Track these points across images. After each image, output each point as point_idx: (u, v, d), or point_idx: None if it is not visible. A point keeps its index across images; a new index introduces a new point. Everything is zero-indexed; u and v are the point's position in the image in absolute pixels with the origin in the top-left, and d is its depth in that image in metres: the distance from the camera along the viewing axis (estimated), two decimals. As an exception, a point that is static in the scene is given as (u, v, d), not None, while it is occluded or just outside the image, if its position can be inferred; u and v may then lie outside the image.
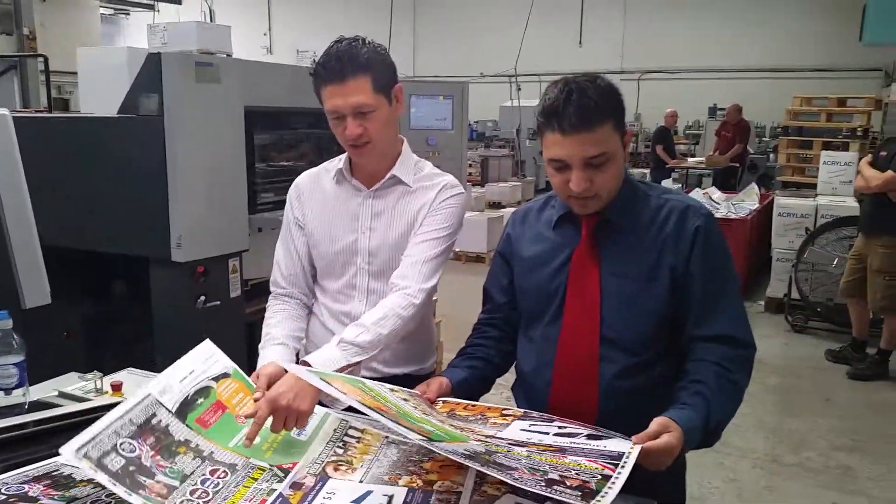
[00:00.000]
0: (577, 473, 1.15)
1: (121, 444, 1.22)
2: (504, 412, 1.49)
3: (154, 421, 1.29)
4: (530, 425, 1.39)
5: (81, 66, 3.14)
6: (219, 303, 2.77)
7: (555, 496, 1.09)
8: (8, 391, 1.65)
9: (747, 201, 7.39)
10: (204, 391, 1.42)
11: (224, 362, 1.52)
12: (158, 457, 1.24)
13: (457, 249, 5.77)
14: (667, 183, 8.81)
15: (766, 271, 6.55)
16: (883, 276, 4.72)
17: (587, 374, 1.55)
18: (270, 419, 1.39)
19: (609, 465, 1.17)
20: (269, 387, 1.46)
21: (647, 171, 10.97)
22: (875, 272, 4.77)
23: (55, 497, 1.22)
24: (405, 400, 1.44)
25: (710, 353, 1.48)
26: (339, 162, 1.88)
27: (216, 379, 1.46)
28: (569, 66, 10.27)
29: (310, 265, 1.91)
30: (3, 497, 1.19)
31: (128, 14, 18.78)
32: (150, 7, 16.15)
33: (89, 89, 3.12)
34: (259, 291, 2.79)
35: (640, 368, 1.54)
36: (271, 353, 1.69)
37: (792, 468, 3.67)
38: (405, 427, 1.24)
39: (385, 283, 1.80)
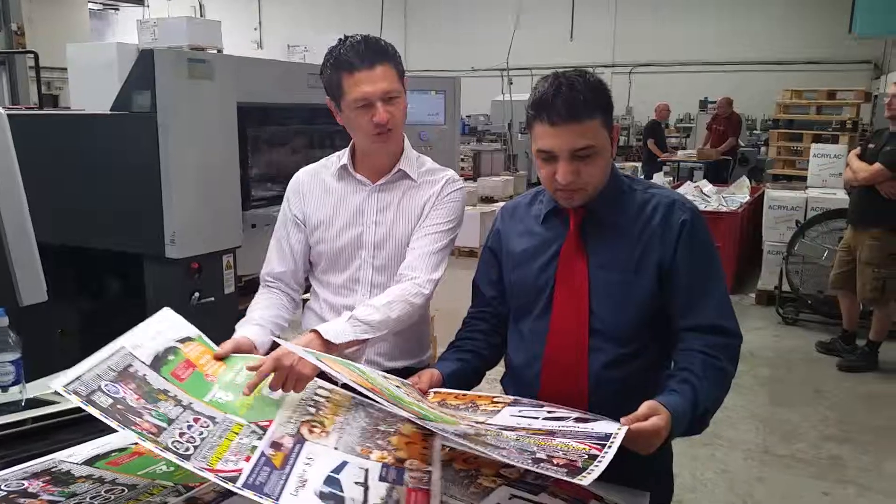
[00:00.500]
0: (564, 454, 1.17)
1: (104, 385, 1.23)
2: (494, 399, 1.51)
3: (131, 370, 1.30)
4: (520, 411, 1.42)
5: (71, 62, 3.14)
6: (213, 299, 2.77)
7: (541, 471, 1.12)
8: (5, 388, 1.66)
9: (738, 194, 7.43)
10: (172, 350, 1.43)
11: (188, 327, 1.53)
12: (142, 400, 1.24)
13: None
14: (658, 176, 8.86)
15: (757, 264, 6.59)
16: (872, 268, 4.76)
17: (576, 365, 1.57)
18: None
19: (596, 446, 1.19)
20: (235, 350, 1.50)
21: (638, 164, 11.00)
22: (864, 264, 4.80)
23: (55, 493, 1.23)
24: (398, 387, 1.46)
25: (697, 342, 1.51)
26: (338, 159, 1.89)
27: (181, 341, 1.47)
28: (560, 59, 10.27)
29: (304, 261, 1.92)
30: (4, 493, 1.20)
31: (117, 9, 18.69)
32: (140, 2, 16.07)
33: (79, 85, 3.11)
34: (253, 287, 2.76)
35: (629, 359, 1.57)
36: (246, 329, 1.70)
37: (783, 459, 3.71)
38: (398, 407, 1.26)
39: (389, 277, 1.83)
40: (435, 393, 1.56)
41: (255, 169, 3.12)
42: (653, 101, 11.93)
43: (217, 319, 2.75)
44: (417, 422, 1.28)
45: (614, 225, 1.57)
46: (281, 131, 3.32)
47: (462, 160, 10.67)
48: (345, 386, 1.42)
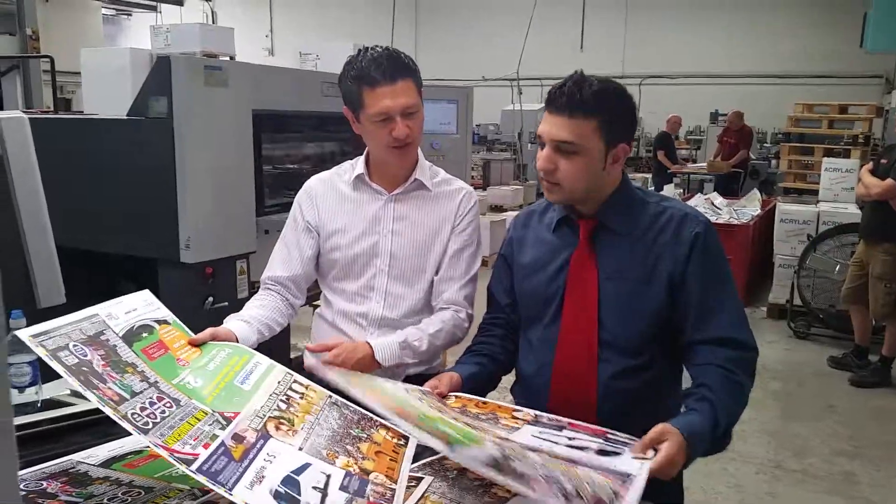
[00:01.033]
0: (590, 486, 1.16)
1: (73, 345, 1.23)
2: (514, 413, 1.50)
3: (102, 338, 1.30)
4: (541, 432, 1.40)
5: (85, 67, 3.16)
6: (227, 304, 2.78)
7: None
8: (21, 389, 1.66)
9: (749, 207, 7.41)
10: (146, 328, 1.43)
11: (165, 311, 1.53)
12: (108, 368, 1.24)
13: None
14: (668, 188, 8.84)
15: (769, 277, 6.56)
16: (884, 282, 4.73)
17: (585, 375, 1.57)
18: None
19: (620, 484, 1.19)
20: (212, 338, 1.51)
21: (648, 175, 10.99)
22: (876, 279, 4.77)
23: (73, 494, 1.23)
24: (420, 399, 1.45)
25: (713, 356, 1.50)
26: (351, 167, 1.89)
27: (158, 322, 1.47)
28: (570, 70, 10.01)
29: (311, 269, 1.92)
30: (24, 493, 1.21)
31: (130, 15, 18.84)
32: (153, 8, 16.20)
33: (92, 89, 3.14)
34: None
35: (638, 370, 1.56)
36: (231, 323, 1.70)
37: (794, 474, 3.68)
38: (427, 433, 1.25)
39: (402, 285, 1.84)
40: (455, 398, 1.56)
41: (269, 175, 3.14)
42: (663, 112, 11.93)
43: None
44: (444, 450, 1.25)
45: (625, 236, 1.58)
46: (294, 138, 3.34)
47: (472, 169, 10.68)
48: (365, 407, 1.43)
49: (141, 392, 1.24)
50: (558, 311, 1.61)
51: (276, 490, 1.14)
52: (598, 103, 1.48)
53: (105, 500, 1.22)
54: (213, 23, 17.64)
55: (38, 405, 1.67)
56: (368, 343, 1.67)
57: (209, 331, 1.54)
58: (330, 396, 1.49)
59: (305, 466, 1.23)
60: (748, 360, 1.53)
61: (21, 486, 1.23)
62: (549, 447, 1.32)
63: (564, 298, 1.61)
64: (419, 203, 1.86)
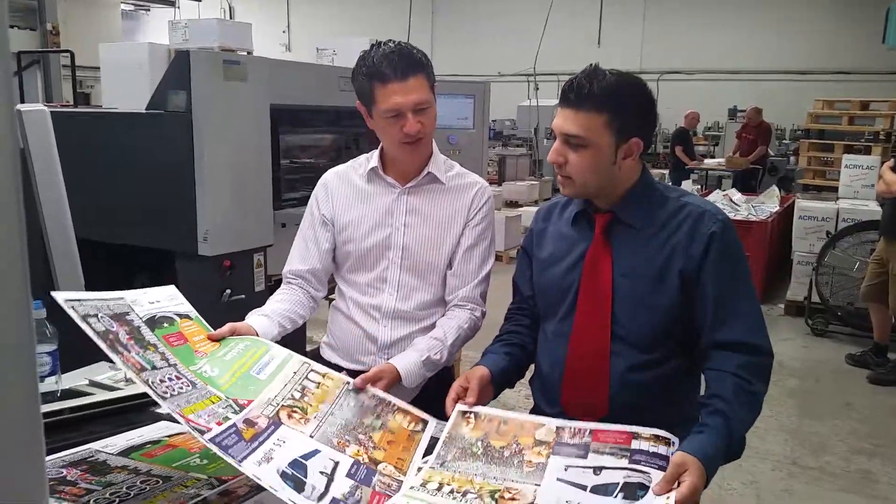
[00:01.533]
0: None
1: (101, 315, 1.27)
2: (537, 434, 1.42)
3: (128, 318, 1.33)
4: (566, 468, 1.33)
5: (104, 62, 3.19)
6: (243, 296, 2.80)
7: None
8: (41, 379, 1.68)
9: (768, 204, 7.34)
10: (168, 319, 1.45)
11: (187, 306, 1.54)
12: (132, 342, 1.28)
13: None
14: (686, 184, 8.78)
15: (787, 274, 6.51)
16: (905, 280, 4.68)
17: (598, 370, 1.57)
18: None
19: None
20: (232, 333, 1.53)
21: (665, 171, 10.93)
22: (896, 276, 4.73)
23: (92, 482, 1.25)
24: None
25: (728, 362, 1.47)
26: (367, 161, 1.90)
27: (179, 316, 1.49)
28: (587, 65, 10.16)
29: (329, 261, 1.93)
30: (44, 481, 1.22)
31: (148, 10, 18.94)
32: (171, 3, 16.27)
33: (111, 84, 3.17)
34: (282, 286, 2.83)
35: (651, 365, 1.56)
36: (252, 319, 1.71)
37: (811, 472, 3.65)
38: None
39: (415, 277, 1.85)
40: (475, 419, 1.48)
41: (286, 169, 3.15)
42: (680, 108, 11.84)
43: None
44: None
45: (641, 231, 1.56)
46: (311, 133, 3.35)
47: (487, 165, 10.67)
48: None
49: (161, 368, 1.27)
50: (573, 305, 1.61)
51: (283, 471, 1.16)
52: (608, 97, 1.47)
53: (124, 489, 1.23)
54: (231, 18, 17.72)
55: (58, 394, 1.69)
56: (396, 369, 1.65)
57: (228, 326, 1.55)
58: (347, 384, 1.50)
59: (315, 452, 1.25)
60: (763, 366, 1.51)
61: (42, 474, 1.25)
62: (576, 496, 1.27)
63: (579, 292, 1.60)
64: (432, 196, 1.86)
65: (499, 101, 9.37)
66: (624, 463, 1.32)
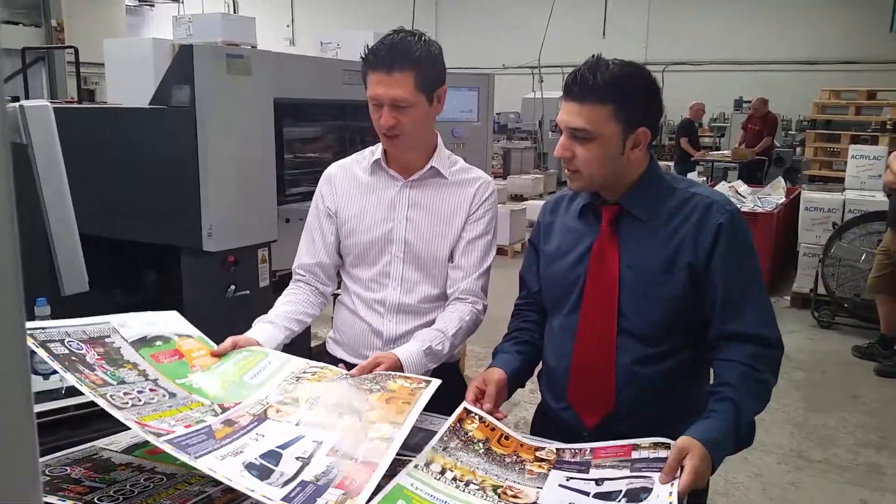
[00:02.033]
0: None
1: (68, 341, 1.28)
2: (538, 453, 1.42)
3: (107, 340, 1.34)
4: (568, 479, 1.33)
5: (108, 57, 3.19)
6: (248, 292, 2.80)
7: None
8: (46, 376, 1.68)
9: (774, 195, 7.32)
10: (163, 338, 1.45)
11: (190, 328, 1.55)
12: (103, 361, 1.29)
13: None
14: (691, 176, 8.75)
15: (793, 266, 6.49)
16: (912, 272, 4.66)
17: (604, 364, 1.56)
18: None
19: None
20: (234, 348, 1.54)
21: (670, 163, 10.90)
22: (904, 268, 4.70)
23: (97, 480, 1.24)
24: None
25: (737, 353, 1.47)
26: (371, 154, 1.89)
27: (179, 336, 1.50)
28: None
29: (336, 254, 1.93)
30: (48, 478, 1.22)
31: (152, 5, 18.96)
32: (175, -1, 16.28)
33: (116, 80, 3.16)
34: (287, 282, 2.81)
35: (657, 359, 1.54)
36: (256, 329, 1.72)
37: (818, 464, 3.65)
38: None
39: (418, 272, 1.84)
40: (479, 423, 1.47)
41: (290, 163, 3.15)
42: (686, 99, 11.80)
43: (252, 312, 2.77)
44: None
45: (648, 223, 1.55)
46: (315, 127, 3.34)
47: (492, 158, 10.65)
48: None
49: (132, 382, 1.27)
50: (579, 299, 1.59)
51: (251, 462, 1.14)
52: (612, 88, 1.45)
53: (127, 486, 1.23)
54: (235, 13, 17.71)
55: (63, 392, 1.69)
56: (396, 356, 1.64)
57: (230, 340, 1.56)
58: (344, 374, 1.50)
59: (297, 439, 1.24)
60: (773, 357, 1.50)
61: (46, 472, 1.25)
62: (580, 500, 1.26)
63: (586, 285, 1.59)
64: (434, 190, 1.85)
65: (503, 93, 9.34)
66: (626, 472, 1.31)
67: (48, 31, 8.06)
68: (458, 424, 1.44)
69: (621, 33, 15.65)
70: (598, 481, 1.30)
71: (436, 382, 1.44)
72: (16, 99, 2.67)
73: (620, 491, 1.26)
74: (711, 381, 1.53)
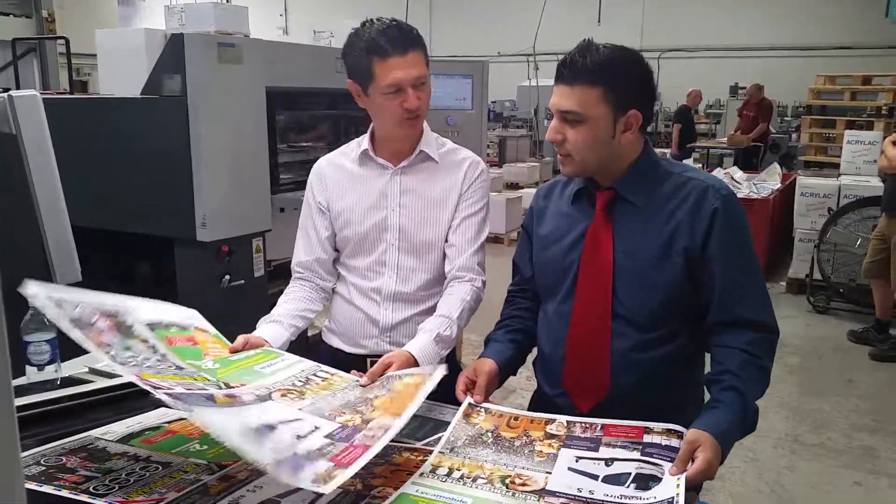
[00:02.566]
0: None
1: (77, 309, 1.27)
2: (548, 429, 1.43)
3: (119, 317, 1.34)
4: (577, 460, 1.33)
5: (100, 48, 3.16)
6: (243, 282, 2.80)
7: None
8: (41, 367, 1.69)
9: (769, 181, 7.32)
10: (178, 326, 1.46)
11: (206, 324, 1.56)
12: (114, 329, 1.29)
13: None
14: (687, 162, 8.75)
15: (788, 252, 6.50)
16: (907, 256, 4.67)
17: (599, 349, 1.55)
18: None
19: None
20: (245, 347, 1.55)
21: (667, 150, 10.89)
22: (899, 252, 4.71)
23: (92, 469, 1.25)
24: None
25: (736, 339, 1.47)
26: (357, 145, 1.89)
27: (196, 328, 1.50)
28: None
29: (331, 248, 1.93)
30: (43, 468, 1.22)
31: (145, -5, 18.81)
32: (167, -12, 16.18)
33: (108, 70, 3.13)
34: (282, 272, 2.81)
35: (652, 345, 1.54)
36: (263, 329, 1.73)
37: (813, 448, 3.67)
38: None
39: (414, 258, 1.84)
40: (486, 413, 1.48)
41: (283, 153, 3.13)
42: (682, 86, 11.78)
43: (247, 302, 2.77)
44: None
45: (643, 207, 1.54)
46: (308, 116, 3.33)
47: (487, 146, 10.63)
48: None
49: (139, 353, 1.27)
50: (573, 285, 1.59)
51: (247, 427, 1.13)
52: (601, 70, 1.45)
53: (123, 476, 1.23)
54: (228, 2, 17.59)
55: (58, 382, 1.69)
56: (410, 353, 1.63)
57: (241, 338, 1.58)
58: (356, 381, 1.50)
59: (295, 420, 1.24)
60: (771, 342, 1.51)
61: (41, 462, 1.25)
62: (589, 488, 1.25)
63: (580, 271, 1.58)
64: (426, 175, 1.85)
65: (498, 81, 9.30)
66: (636, 455, 1.31)
67: (39, 22, 8.00)
68: (464, 421, 1.45)
69: (617, 20, 15.58)
70: (608, 461, 1.31)
71: (441, 370, 1.44)
72: (6, 90, 2.66)
73: (629, 474, 1.26)
74: (709, 368, 1.53)
